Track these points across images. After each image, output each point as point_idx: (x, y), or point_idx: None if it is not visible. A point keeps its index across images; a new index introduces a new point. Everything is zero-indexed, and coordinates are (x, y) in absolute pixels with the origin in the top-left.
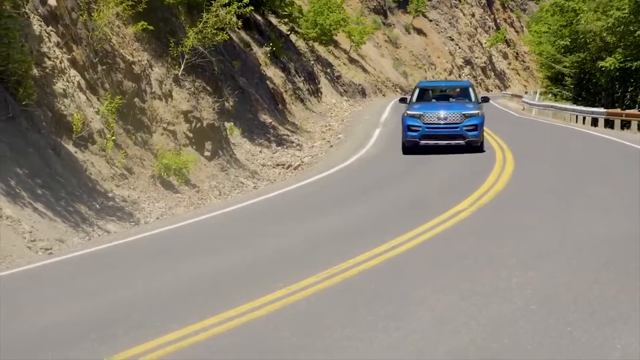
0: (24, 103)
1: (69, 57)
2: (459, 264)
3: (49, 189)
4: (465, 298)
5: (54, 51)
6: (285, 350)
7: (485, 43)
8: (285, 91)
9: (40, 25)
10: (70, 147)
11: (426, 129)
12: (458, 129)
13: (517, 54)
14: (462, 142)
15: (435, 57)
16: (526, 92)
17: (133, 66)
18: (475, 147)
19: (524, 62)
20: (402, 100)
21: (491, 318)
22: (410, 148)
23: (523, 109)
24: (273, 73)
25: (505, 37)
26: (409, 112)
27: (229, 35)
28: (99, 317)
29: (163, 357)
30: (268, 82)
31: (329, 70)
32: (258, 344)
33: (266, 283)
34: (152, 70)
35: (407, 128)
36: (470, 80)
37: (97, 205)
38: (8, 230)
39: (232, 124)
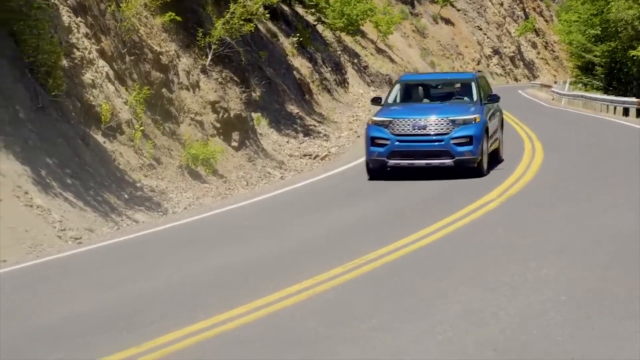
0: (53, 93)
1: (98, 47)
2: (486, 255)
3: (79, 178)
4: (494, 289)
5: (83, 42)
6: (312, 340)
7: (514, 32)
8: (312, 81)
9: (69, 16)
10: (99, 138)
11: (396, 143)
12: (443, 143)
13: (547, 43)
14: (448, 161)
15: (463, 46)
16: (555, 82)
17: (161, 57)
18: (471, 169)
19: (554, 51)
20: (376, 100)
21: (520, 309)
22: (376, 171)
23: (552, 99)
24: (300, 63)
25: (534, 26)
26: (374, 118)
27: (256, 25)
28: (126, 306)
29: (190, 347)
30: (295, 72)
31: (356, 60)
32: (284, 334)
33: (293, 273)
34: (180, 60)
35: (370, 141)
36: (498, 69)
37: (126, 195)
38: (39, 219)
39: (259, 114)
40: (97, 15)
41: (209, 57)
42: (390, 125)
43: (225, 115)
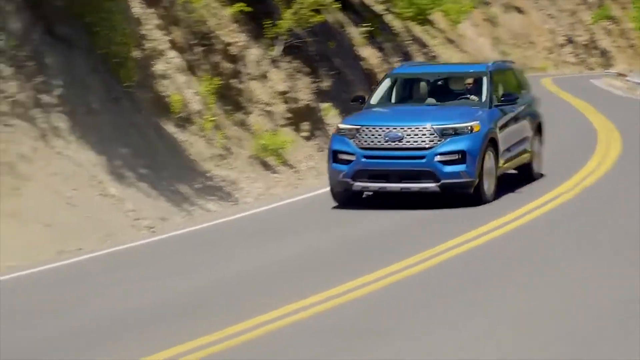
0: (125, 84)
1: (169, 39)
2: (550, 252)
3: (151, 168)
4: (554, 285)
5: (154, 33)
6: (384, 331)
7: (588, 20)
8: (381, 72)
9: (141, 8)
10: (171, 128)
11: (363, 159)
12: (424, 160)
13: (622, 31)
14: (432, 185)
15: (535, 35)
16: (631, 71)
17: (230, 47)
18: (466, 195)
19: (630, 39)
20: (356, 100)
21: (580, 308)
22: (341, 195)
23: (627, 88)
24: (368, 53)
25: (609, 13)
26: (340, 124)
27: (324, 16)
28: (198, 294)
29: (262, 336)
30: (363, 62)
31: (425, 50)
32: (357, 325)
33: (364, 263)
34: (249, 51)
35: (332, 156)
36: (571, 58)
37: (198, 185)
38: (113, 209)
39: (329, 104)
40: (168, 7)
41: (279, 48)
42: (357, 135)
43: (295, 106)
